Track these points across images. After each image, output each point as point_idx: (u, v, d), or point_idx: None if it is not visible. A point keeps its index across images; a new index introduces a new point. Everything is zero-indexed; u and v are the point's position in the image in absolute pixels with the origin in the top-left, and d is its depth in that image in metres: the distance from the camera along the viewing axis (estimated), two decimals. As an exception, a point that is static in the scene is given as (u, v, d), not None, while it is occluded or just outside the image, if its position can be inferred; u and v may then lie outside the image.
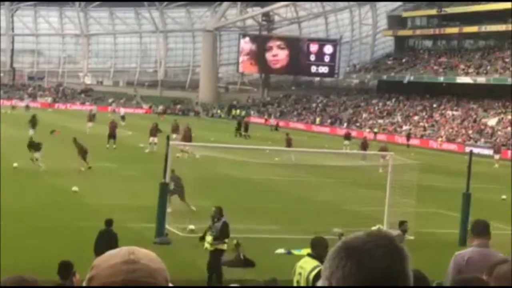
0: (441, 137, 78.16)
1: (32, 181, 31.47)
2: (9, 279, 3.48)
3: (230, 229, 18.25)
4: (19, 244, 20.01)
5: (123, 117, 74.62)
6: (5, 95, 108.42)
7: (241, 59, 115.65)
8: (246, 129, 67.12)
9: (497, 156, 55.90)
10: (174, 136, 54.22)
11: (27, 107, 78.73)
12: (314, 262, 11.75)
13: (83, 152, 36.25)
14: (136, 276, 1.91)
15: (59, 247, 19.01)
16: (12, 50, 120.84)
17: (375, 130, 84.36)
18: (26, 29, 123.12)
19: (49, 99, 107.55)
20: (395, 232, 16.90)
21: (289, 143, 47.47)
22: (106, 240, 16.46)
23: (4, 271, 15.43)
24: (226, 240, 18.01)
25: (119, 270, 1.91)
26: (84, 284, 1.98)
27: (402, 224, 18.35)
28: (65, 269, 11.30)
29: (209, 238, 17.89)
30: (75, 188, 29.37)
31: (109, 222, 17.62)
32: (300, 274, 11.90)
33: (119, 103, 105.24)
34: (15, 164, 35.03)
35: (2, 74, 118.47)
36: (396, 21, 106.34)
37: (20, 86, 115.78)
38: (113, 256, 1.96)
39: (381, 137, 78.22)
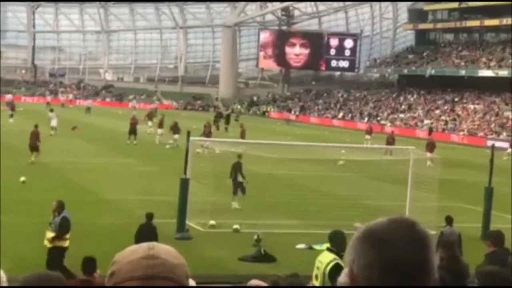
0: (463, 131, 77.73)
1: (52, 177, 31.64)
2: (34, 275, 3.53)
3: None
4: (41, 241, 20.13)
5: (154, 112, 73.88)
6: (27, 92, 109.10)
7: (261, 54, 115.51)
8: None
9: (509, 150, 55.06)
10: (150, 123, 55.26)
11: (48, 103, 79.04)
12: (331, 256, 11.78)
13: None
14: (156, 271, 1.93)
15: (80, 243, 19.11)
16: (34, 47, 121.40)
17: (387, 123, 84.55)
18: (47, 26, 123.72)
19: (70, 96, 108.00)
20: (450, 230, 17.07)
21: (243, 135, 47.56)
22: (146, 233, 16.62)
23: (27, 267, 15.56)
24: (67, 236, 16.66)
25: (139, 266, 1.93)
26: (106, 279, 2.00)
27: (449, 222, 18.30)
28: (89, 264, 11.38)
29: (48, 234, 16.54)
30: (22, 179, 29.38)
31: (149, 216, 17.79)
32: (318, 268, 11.95)
33: (157, 98, 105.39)
34: (32, 159, 35.34)
35: (24, 71, 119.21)
36: (417, 15, 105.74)
37: (42, 83, 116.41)
38: (133, 251, 1.98)
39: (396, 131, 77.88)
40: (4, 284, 3.90)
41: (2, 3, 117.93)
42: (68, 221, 16.58)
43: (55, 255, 16.06)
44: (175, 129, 46.89)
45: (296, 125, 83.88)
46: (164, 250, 2.00)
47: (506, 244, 10.87)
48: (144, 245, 2.00)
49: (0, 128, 46.97)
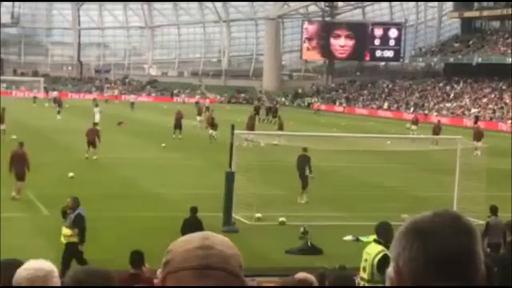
0: (511, 119, 76.66)
1: (99, 172, 31.97)
2: (83, 270, 3.57)
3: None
4: (90, 235, 20.36)
5: (208, 108, 73.95)
6: (73, 88, 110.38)
7: (304, 46, 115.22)
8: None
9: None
10: (198, 118, 55.44)
11: (94, 99, 79.85)
12: (379, 247, 11.75)
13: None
14: (210, 261, 1.93)
15: (126, 237, 19.29)
16: (79, 44, 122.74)
17: (426, 112, 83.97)
18: (92, 23, 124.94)
19: (116, 91, 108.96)
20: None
21: (281, 127, 47.47)
22: (191, 227, 16.72)
23: (74, 263, 15.77)
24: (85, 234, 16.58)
25: (194, 255, 1.93)
26: (160, 269, 2.02)
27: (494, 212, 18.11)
28: (137, 258, 11.47)
29: (64, 230, 16.43)
30: (71, 174, 29.67)
31: (193, 210, 17.89)
32: (366, 260, 11.91)
33: (201, 93, 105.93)
34: (86, 155, 35.79)
35: (70, 68, 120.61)
36: (462, 3, 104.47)
37: (88, 79, 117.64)
38: (188, 241, 1.98)
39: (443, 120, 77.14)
40: (56, 277, 3.95)
41: (48, 1, 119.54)
42: (83, 219, 16.52)
43: (71, 251, 16.04)
44: (212, 124, 46.99)
45: (325, 114, 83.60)
46: (219, 240, 2.01)
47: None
48: (199, 235, 2.00)
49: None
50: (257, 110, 63.78)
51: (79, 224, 16.36)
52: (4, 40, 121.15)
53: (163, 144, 41.56)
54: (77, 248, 16.21)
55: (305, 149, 27.35)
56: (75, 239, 16.30)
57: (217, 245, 1.97)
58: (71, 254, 15.82)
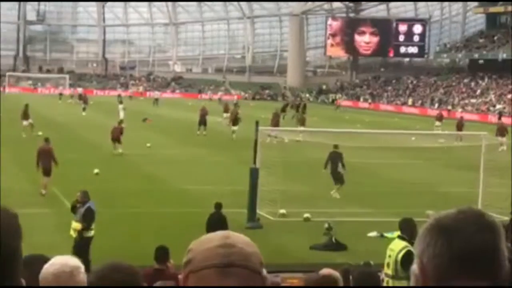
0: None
1: (124, 169, 32.12)
2: (107, 265, 3.59)
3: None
4: (115, 230, 20.47)
5: (236, 104, 73.83)
6: (98, 85, 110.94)
7: (328, 42, 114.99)
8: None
9: None
10: (224, 115, 53.96)
11: (119, 96, 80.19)
12: (403, 243, 11.75)
13: None
14: (232, 259, 1.94)
15: (151, 232, 19.37)
16: (104, 41, 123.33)
17: (449, 108, 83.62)
18: (116, 20, 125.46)
19: (141, 88, 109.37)
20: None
21: (303, 123, 47.20)
22: (216, 222, 16.78)
23: (98, 260, 15.85)
24: (93, 227, 16.63)
25: (216, 254, 1.94)
26: (182, 267, 2.03)
27: None
28: (162, 254, 11.51)
29: (74, 224, 16.46)
30: (96, 170, 29.79)
31: (218, 205, 17.96)
32: (390, 256, 11.91)
33: (225, 89, 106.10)
34: (114, 152, 35.95)
35: (95, 65, 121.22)
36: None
37: (113, 76, 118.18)
38: (209, 240, 1.99)
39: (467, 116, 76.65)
40: (82, 272, 3.98)
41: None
42: (92, 212, 16.60)
43: (81, 246, 15.97)
44: (234, 120, 46.74)
45: (349, 111, 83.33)
46: (240, 238, 2.02)
47: None
48: (220, 233, 2.01)
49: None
50: (284, 109, 63.79)
51: (89, 217, 16.45)
52: (30, 37, 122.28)
53: (148, 144, 40.05)
54: (87, 243, 16.22)
55: (336, 146, 27.36)
56: (84, 234, 16.37)
57: (238, 243, 1.98)
58: (81, 248, 15.77)
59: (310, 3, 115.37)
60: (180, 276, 2.02)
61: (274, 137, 32.03)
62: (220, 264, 1.92)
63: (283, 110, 62.08)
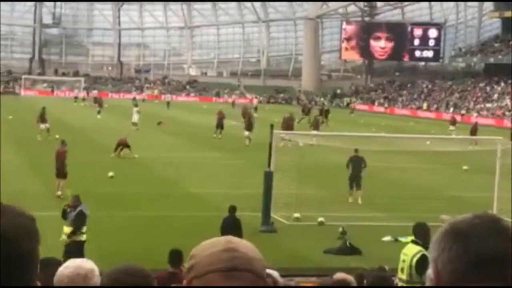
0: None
1: (139, 172, 32.19)
2: (120, 268, 3.60)
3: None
4: (128, 233, 20.52)
5: (255, 108, 73.76)
6: (114, 88, 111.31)
7: (343, 46, 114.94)
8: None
9: None
10: (242, 120, 50.93)
11: (134, 99, 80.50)
12: (417, 248, 11.71)
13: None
14: (236, 263, 1.95)
15: (166, 236, 19.38)
16: (119, 44, 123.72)
17: (463, 112, 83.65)
18: (132, 23, 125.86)
19: (156, 91, 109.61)
20: None
21: (316, 127, 47.01)
22: (230, 226, 16.80)
23: (111, 263, 15.88)
24: (84, 230, 16.48)
25: (219, 258, 1.95)
26: (185, 273, 2.03)
27: None
28: (176, 257, 11.51)
29: (65, 228, 16.33)
30: (111, 174, 29.79)
31: (233, 208, 17.97)
32: (404, 261, 11.87)
33: (240, 92, 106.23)
34: (135, 155, 36.08)
35: (110, 68, 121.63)
36: (502, 2, 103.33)
37: (128, 79, 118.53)
38: (212, 245, 2.00)
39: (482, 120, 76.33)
40: (96, 275, 3.99)
41: (88, 2, 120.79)
42: (83, 215, 16.52)
43: (72, 250, 15.48)
44: (248, 125, 46.04)
45: (365, 115, 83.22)
46: (242, 243, 2.03)
47: None
48: (222, 239, 2.03)
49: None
50: (308, 112, 63.89)
51: (80, 221, 16.40)
52: (46, 40, 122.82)
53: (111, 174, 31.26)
54: (79, 247, 16.04)
55: (356, 150, 27.27)
56: (76, 238, 16.30)
57: (241, 248, 1.99)
58: (74, 252, 15.22)
59: (325, 7, 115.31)
60: (184, 282, 2.03)
61: (288, 141, 32.00)
62: (225, 268, 1.93)
63: (307, 113, 62.33)
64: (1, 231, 1.68)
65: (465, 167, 35.91)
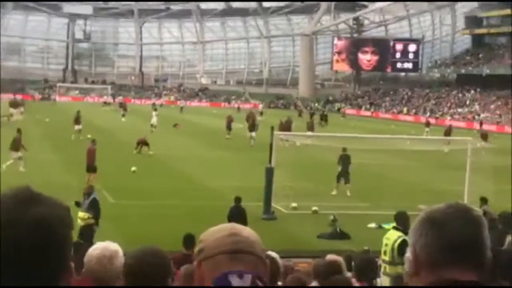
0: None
1: (158, 168, 32.20)
2: (143, 249, 3.62)
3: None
4: (147, 219, 20.52)
5: (261, 113, 73.66)
6: (136, 95, 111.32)
7: (334, 58, 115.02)
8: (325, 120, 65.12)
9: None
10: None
11: (154, 104, 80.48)
12: (398, 233, 11.72)
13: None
14: (240, 246, 1.97)
15: (181, 222, 19.38)
16: (141, 57, 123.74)
17: (437, 116, 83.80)
18: (152, 38, 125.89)
19: (172, 98, 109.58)
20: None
21: (311, 128, 46.61)
22: (236, 214, 16.79)
23: (133, 245, 15.89)
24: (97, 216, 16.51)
25: (225, 242, 1.97)
26: (195, 255, 2.04)
27: (485, 203, 17.88)
28: (189, 240, 11.52)
29: (80, 214, 16.16)
30: (134, 168, 29.73)
31: (238, 199, 17.97)
32: (386, 244, 11.87)
33: (245, 99, 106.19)
34: (150, 152, 36.07)
35: (133, 77, 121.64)
36: (472, 21, 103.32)
37: (148, 87, 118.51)
38: (218, 230, 2.02)
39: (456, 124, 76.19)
40: (120, 256, 4.00)
41: (114, 20, 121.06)
42: (97, 202, 16.58)
43: (87, 233, 15.66)
44: (251, 126, 46.06)
45: (354, 118, 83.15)
46: (244, 229, 2.05)
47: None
48: (226, 225, 2.05)
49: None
50: (311, 116, 64.07)
51: (94, 207, 16.42)
52: (77, 53, 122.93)
53: (133, 168, 30.86)
54: (92, 228, 16.12)
55: (344, 149, 27.22)
56: (90, 221, 16.25)
57: (244, 233, 2.01)
58: (87, 234, 15.49)
59: (319, 24, 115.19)
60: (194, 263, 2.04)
61: (286, 141, 31.99)
62: (230, 250, 1.95)
63: (311, 116, 62.64)
64: (41, 219, 1.70)
65: (445, 150, 35.97)
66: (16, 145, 29.01)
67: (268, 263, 2.06)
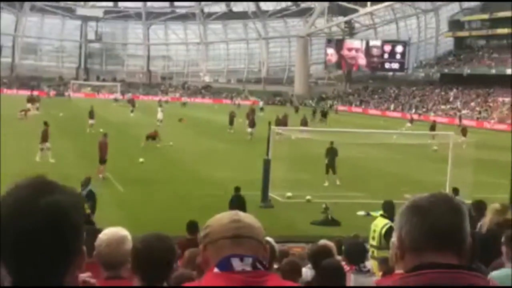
0: (493, 119, 75.64)
1: (163, 159, 32.18)
2: (151, 235, 3.63)
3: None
4: (153, 206, 20.51)
5: (262, 109, 73.46)
6: (143, 91, 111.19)
7: (327, 58, 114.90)
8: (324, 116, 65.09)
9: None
10: (246, 122, 47.42)
11: (160, 100, 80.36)
12: (385, 221, 11.73)
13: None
14: (242, 231, 1.99)
15: (185, 210, 19.39)
16: (148, 57, 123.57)
17: (420, 112, 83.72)
18: (158, 39, 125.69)
19: (177, 94, 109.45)
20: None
21: (305, 123, 46.08)
22: (236, 202, 16.82)
23: (138, 231, 15.89)
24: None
25: (229, 227, 1.99)
26: (201, 239, 2.05)
27: (456, 193, 17.89)
28: (193, 226, 11.52)
29: None
30: (141, 160, 29.69)
31: (238, 189, 18.01)
32: (374, 231, 11.89)
33: (245, 96, 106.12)
34: (158, 145, 36.03)
35: (141, 76, 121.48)
36: (455, 25, 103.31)
37: (155, 84, 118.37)
38: (222, 217, 2.04)
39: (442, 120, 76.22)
40: (129, 240, 4.00)
41: (124, 22, 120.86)
42: (93, 194, 16.48)
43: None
44: (251, 122, 45.82)
45: (344, 114, 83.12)
46: (246, 216, 2.07)
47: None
48: (230, 213, 2.08)
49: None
50: (314, 113, 64.20)
51: (91, 198, 16.28)
52: (90, 53, 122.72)
53: (141, 159, 30.58)
54: (89, 219, 15.80)
55: (332, 143, 27.30)
56: (87, 211, 15.94)
57: (245, 220, 2.03)
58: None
59: (313, 27, 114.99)
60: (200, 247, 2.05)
61: (282, 135, 31.97)
62: (232, 235, 1.98)
63: (313, 113, 62.76)
64: (56, 206, 1.70)
65: (435, 147, 35.91)
66: (45, 136, 29.18)
67: (268, 248, 2.07)
